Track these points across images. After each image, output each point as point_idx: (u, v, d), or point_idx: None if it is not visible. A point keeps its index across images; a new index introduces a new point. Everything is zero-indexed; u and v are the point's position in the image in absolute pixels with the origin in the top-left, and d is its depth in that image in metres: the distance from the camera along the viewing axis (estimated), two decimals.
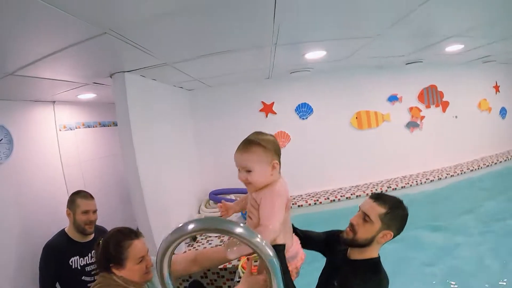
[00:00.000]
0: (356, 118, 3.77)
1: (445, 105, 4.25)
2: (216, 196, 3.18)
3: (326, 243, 1.49)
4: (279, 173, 1.18)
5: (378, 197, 1.29)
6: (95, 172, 3.37)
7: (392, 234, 1.26)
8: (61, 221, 2.22)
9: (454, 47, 2.94)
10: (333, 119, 3.72)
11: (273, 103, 3.48)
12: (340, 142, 3.76)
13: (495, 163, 4.30)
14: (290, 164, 3.51)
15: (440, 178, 3.82)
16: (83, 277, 2.01)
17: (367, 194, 3.45)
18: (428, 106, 4.14)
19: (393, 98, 3.94)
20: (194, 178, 3.30)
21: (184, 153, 3.05)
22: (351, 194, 3.46)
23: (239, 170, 1.16)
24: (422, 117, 4.09)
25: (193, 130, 3.43)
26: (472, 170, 4.06)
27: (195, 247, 2.58)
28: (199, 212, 3.15)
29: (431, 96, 4.16)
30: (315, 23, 1.72)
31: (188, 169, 3.11)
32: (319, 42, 2.16)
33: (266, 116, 3.51)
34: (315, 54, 2.50)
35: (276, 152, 1.15)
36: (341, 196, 3.45)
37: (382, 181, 3.84)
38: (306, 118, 3.63)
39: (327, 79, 3.62)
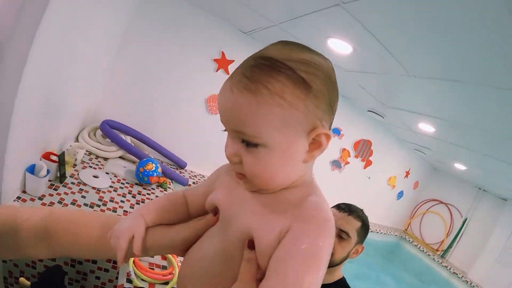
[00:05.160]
0: None
1: (368, 163, 4.33)
2: (110, 129, 2.31)
3: None
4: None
5: (352, 210, 1.17)
6: None
7: (363, 247, 1.20)
8: None
9: (427, 127, 2.87)
10: None
11: (232, 61, 2.83)
12: None
13: (378, 232, 4.66)
14: (205, 136, 2.99)
15: None
16: None
17: None
18: (356, 156, 4.13)
19: (336, 131, 3.76)
20: (92, 93, 2.31)
21: (97, 56, 2.01)
22: None
23: (228, 133, 0.49)
24: (347, 163, 4.05)
25: (121, 38, 2.39)
26: None
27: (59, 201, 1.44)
28: (77, 139, 2.22)
29: (364, 149, 4.17)
30: None
31: (91, 79, 2.10)
32: (358, 33, 1.68)
33: (216, 71, 2.83)
34: (339, 45, 1.97)
35: (331, 104, 0.48)
36: None
37: None
38: None
39: None
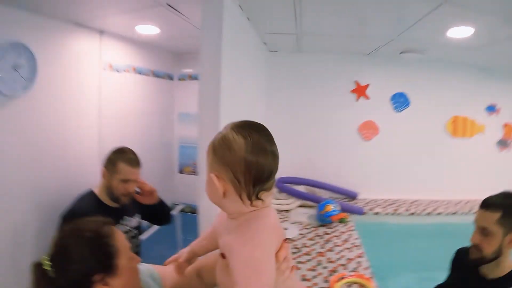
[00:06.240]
0: (453, 122, 3.20)
1: None
2: (285, 185, 2.56)
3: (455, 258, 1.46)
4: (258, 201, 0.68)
5: (488, 205, 1.19)
6: (138, 129, 2.77)
7: None
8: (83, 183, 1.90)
9: None
10: (428, 119, 3.13)
11: (367, 85, 2.90)
12: (429, 147, 3.18)
13: None
14: (369, 162, 3.05)
15: None
16: None
17: (448, 213, 2.95)
18: None
19: (491, 109, 3.38)
20: None
21: (253, 108, 2.36)
22: (432, 210, 2.94)
23: None
24: None
25: (265, 100, 2.82)
26: None
27: None
28: None
29: None
30: None
31: None
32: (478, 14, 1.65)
33: (357, 100, 2.93)
34: (459, 31, 1.94)
35: (229, 166, 0.65)
36: (422, 209, 2.92)
37: (461, 201, 3.28)
38: (401, 111, 3.05)
39: (430, 70, 3.04)
